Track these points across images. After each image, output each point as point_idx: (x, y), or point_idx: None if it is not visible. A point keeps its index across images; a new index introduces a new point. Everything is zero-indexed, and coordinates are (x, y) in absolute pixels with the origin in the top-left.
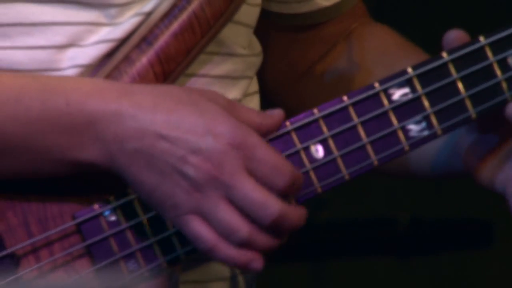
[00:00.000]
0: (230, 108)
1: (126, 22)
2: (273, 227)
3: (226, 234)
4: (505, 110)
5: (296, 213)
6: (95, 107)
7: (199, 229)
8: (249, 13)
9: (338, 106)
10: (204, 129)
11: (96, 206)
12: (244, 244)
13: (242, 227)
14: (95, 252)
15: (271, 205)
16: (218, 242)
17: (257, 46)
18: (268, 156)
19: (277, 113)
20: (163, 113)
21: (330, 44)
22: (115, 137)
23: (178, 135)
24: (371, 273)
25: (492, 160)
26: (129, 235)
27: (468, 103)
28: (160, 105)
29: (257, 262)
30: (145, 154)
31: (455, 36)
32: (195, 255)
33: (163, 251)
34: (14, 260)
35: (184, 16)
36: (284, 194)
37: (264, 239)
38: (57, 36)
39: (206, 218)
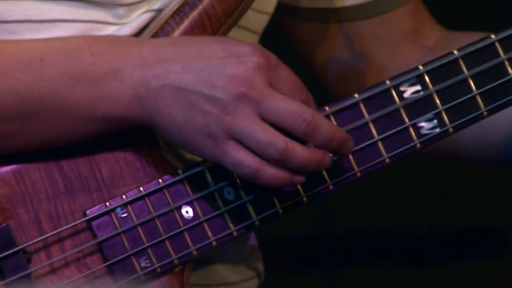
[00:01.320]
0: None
1: (135, 19)
2: (308, 135)
3: (265, 150)
4: None
5: (326, 121)
6: (119, 53)
7: (240, 155)
8: (257, 20)
9: (349, 102)
10: (225, 52)
11: (107, 203)
12: (283, 158)
13: (278, 139)
14: (106, 249)
15: (304, 112)
16: (261, 165)
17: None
18: (289, 74)
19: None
20: (183, 47)
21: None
22: (141, 78)
23: (201, 63)
24: (384, 283)
25: None
26: (140, 230)
27: (479, 101)
28: (178, 43)
29: (298, 177)
30: (172, 89)
31: None
32: (204, 255)
33: (175, 247)
34: (26, 256)
35: (195, 13)
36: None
37: (301, 150)
38: (64, 33)
39: (243, 140)
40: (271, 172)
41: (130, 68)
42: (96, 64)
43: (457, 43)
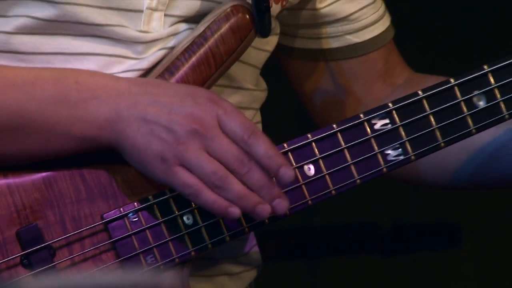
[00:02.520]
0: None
1: (151, 55)
2: (243, 175)
3: (208, 177)
4: None
5: (259, 169)
6: (98, 84)
7: (186, 177)
8: (257, 56)
9: (328, 132)
10: (185, 93)
11: (121, 209)
12: (222, 185)
13: (219, 169)
14: (119, 248)
15: (240, 155)
16: (202, 187)
17: (263, 84)
18: (237, 116)
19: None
20: (153, 86)
21: (368, 81)
22: (114, 106)
23: (165, 100)
24: (357, 270)
25: None
26: (148, 234)
27: (438, 134)
28: (150, 82)
29: (234, 208)
30: (138, 118)
31: None
32: (204, 253)
33: (177, 248)
34: (51, 251)
35: (201, 52)
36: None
37: (238, 184)
38: (91, 64)
39: (191, 167)
40: (211, 196)
41: (106, 97)
42: (78, 91)
43: (422, 84)
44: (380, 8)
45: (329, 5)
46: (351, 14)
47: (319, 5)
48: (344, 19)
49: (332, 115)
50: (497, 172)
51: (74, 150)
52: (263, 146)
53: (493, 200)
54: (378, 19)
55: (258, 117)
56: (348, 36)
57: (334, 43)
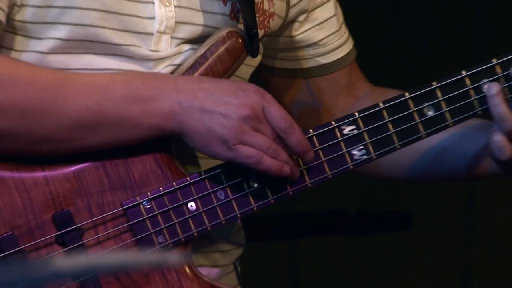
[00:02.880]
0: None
1: (161, 71)
2: (285, 137)
3: (264, 149)
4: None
5: (297, 131)
6: (161, 82)
7: (247, 150)
8: (245, 71)
9: (306, 136)
10: (236, 88)
11: (137, 197)
12: (275, 154)
13: (271, 143)
14: (135, 229)
15: (283, 123)
16: (262, 155)
17: None
18: (275, 103)
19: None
20: (207, 82)
21: (334, 94)
22: (176, 100)
23: (220, 93)
24: (328, 247)
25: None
26: (159, 218)
27: (395, 138)
28: (204, 79)
29: (286, 168)
30: (198, 108)
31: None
32: (203, 234)
33: (182, 229)
34: (80, 232)
35: (202, 69)
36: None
37: (284, 152)
38: None
39: (248, 143)
40: (269, 162)
41: (169, 93)
42: (145, 90)
43: (379, 96)
44: (344, 34)
45: (302, 32)
46: (320, 40)
47: (294, 33)
48: (315, 44)
49: (308, 121)
50: (441, 170)
51: (143, 139)
52: (295, 136)
53: (439, 191)
54: (342, 44)
55: None
56: (318, 58)
57: (307, 64)
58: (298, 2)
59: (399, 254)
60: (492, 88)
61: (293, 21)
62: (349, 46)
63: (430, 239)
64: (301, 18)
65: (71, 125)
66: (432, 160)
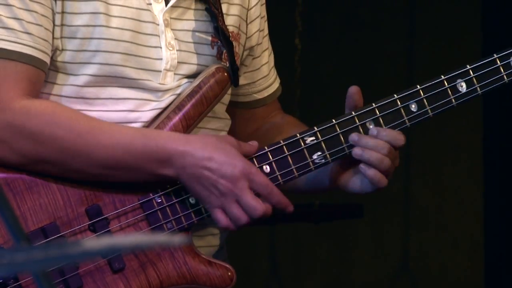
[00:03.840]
0: (238, 144)
1: (167, 99)
2: (268, 199)
3: (233, 220)
4: (352, 152)
5: (268, 212)
6: (172, 148)
7: (220, 216)
8: (226, 97)
9: (277, 145)
10: (228, 163)
11: (150, 194)
12: (241, 225)
13: (243, 217)
14: (149, 219)
15: (259, 209)
16: (230, 225)
17: (227, 116)
18: (260, 180)
19: (255, 144)
20: (207, 153)
21: (264, 118)
22: (181, 165)
23: (215, 167)
24: (299, 231)
25: (346, 177)
26: (167, 209)
27: (345, 146)
28: (206, 149)
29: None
30: (197, 176)
31: (353, 91)
32: (202, 222)
33: (186, 218)
34: (107, 221)
35: (197, 96)
36: (268, 199)
37: (268, 209)
38: (130, 105)
39: (225, 210)
40: (232, 228)
41: (177, 159)
42: (158, 153)
43: (285, 124)
44: (272, 77)
45: (244, 73)
46: (256, 81)
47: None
48: (253, 84)
49: (260, 139)
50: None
51: (153, 180)
52: (275, 198)
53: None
54: (270, 84)
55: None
56: (255, 95)
57: (246, 99)
58: (244, 51)
59: (353, 237)
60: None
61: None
62: (276, 85)
63: (376, 224)
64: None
65: (97, 166)
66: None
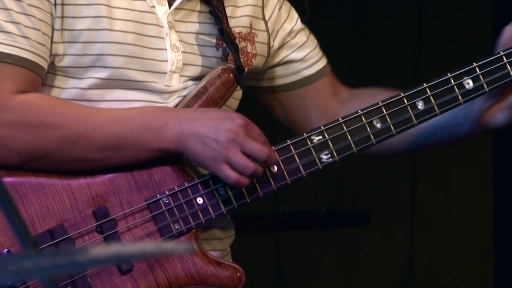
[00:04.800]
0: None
1: (173, 100)
2: (264, 162)
3: (243, 170)
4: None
5: (273, 154)
6: (167, 114)
7: (229, 172)
8: (233, 103)
9: (284, 145)
10: (224, 116)
11: (157, 195)
12: (253, 175)
13: (250, 164)
14: (157, 219)
15: (265, 150)
16: (240, 178)
17: None
18: (256, 128)
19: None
20: (202, 113)
21: (330, 96)
22: (179, 130)
23: (212, 122)
24: (306, 238)
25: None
26: (175, 209)
27: (353, 145)
28: (199, 111)
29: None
30: (195, 134)
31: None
32: (206, 225)
33: (193, 219)
34: (114, 222)
35: (204, 98)
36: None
37: (260, 169)
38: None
39: (232, 164)
40: (244, 182)
41: (173, 123)
42: (156, 121)
43: (359, 97)
44: (319, 53)
45: (285, 57)
46: (301, 58)
47: (277, 59)
48: (297, 61)
49: (305, 126)
50: (434, 141)
51: (156, 157)
52: (267, 148)
53: (389, 194)
54: (319, 59)
55: None
56: (304, 71)
57: (295, 77)
58: (277, 42)
59: (360, 243)
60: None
61: (276, 51)
62: (324, 60)
63: (383, 231)
64: (281, 49)
65: (99, 148)
66: (434, 128)
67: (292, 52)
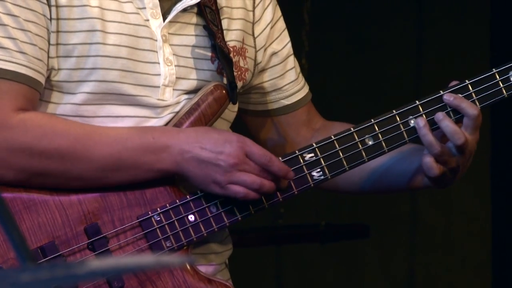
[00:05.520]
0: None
1: (165, 116)
2: (270, 173)
3: (250, 186)
4: (422, 160)
5: (276, 165)
6: (167, 137)
7: (236, 188)
8: (229, 115)
9: (292, 155)
10: (224, 140)
11: (149, 212)
12: (258, 189)
13: (254, 179)
14: (148, 237)
15: (267, 157)
16: (247, 191)
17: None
18: (256, 146)
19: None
20: (202, 137)
21: (302, 126)
22: (178, 153)
23: (211, 146)
24: (305, 252)
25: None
26: (166, 227)
27: (344, 162)
28: (199, 132)
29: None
30: (195, 159)
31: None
32: (202, 239)
33: (185, 236)
34: (106, 239)
35: (196, 114)
36: (269, 167)
37: (268, 183)
38: (129, 123)
39: (237, 183)
40: (253, 195)
41: (173, 146)
42: (155, 143)
43: (331, 128)
44: (301, 82)
45: (268, 81)
46: (282, 87)
47: (262, 81)
48: (278, 89)
49: (279, 151)
50: (385, 185)
51: (154, 178)
52: (275, 166)
53: (389, 207)
54: (300, 89)
55: None
56: (282, 100)
57: (273, 106)
58: (264, 59)
59: (359, 257)
60: (420, 122)
61: (260, 72)
62: (305, 90)
63: (382, 245)
64: (265, 72)
65: (97, 168)
66: (378, 177)
67: (274, 78)
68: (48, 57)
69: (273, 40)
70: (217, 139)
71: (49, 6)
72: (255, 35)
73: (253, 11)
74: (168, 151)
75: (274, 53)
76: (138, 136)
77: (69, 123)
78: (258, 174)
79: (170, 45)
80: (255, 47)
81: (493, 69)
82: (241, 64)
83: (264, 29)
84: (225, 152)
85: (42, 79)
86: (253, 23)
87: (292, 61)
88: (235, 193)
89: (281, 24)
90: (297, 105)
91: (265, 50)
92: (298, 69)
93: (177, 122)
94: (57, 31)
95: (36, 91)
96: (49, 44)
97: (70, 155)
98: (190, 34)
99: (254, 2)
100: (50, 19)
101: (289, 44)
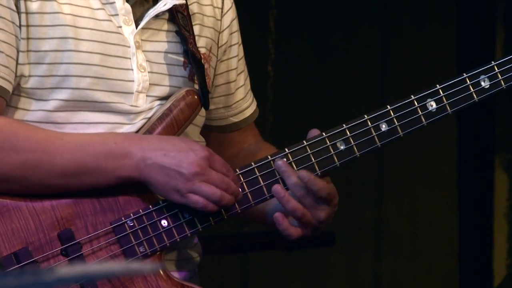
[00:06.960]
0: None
1: (138, 122)
2: (225, 190)
3: (210, 198)
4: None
5: (233, 184)
6: (129, 143)
7: (196, 199)
8: (200, 120)
9: (249, 167)
10: (187, 148)
11: (122, 217)
12: (217, 201)
13: (214, 190)
14: (122, 242)
15: (224, 179)
16: (207, 203)
17: (202, 138)
18: (219, 158)
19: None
20: (165, 143)
21: (241, 144)
22: (141, 158)
23: (175, 153)
24: (271, 259)
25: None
26: (139, 232)
27: (316, 167)
28: (163, 139)
29: (225, 207)
30: (157, 165)
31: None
32: (173, 246)
33: (158, 241)
34: (79, 245)
35: (168, 119)
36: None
37: (228, 196)
38: (101, 129)
39: (198, 193)
40: (212, 206)
41: (136, 152)
42: (117, 149)
43: (262, 150)
44: (249, 98)
45: (219, 96)
46: (232, 104)
47: (215, 95)
48: (229, 107)
49: (232, 163)
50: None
51: (115, 184)
52: (231, 175)
53: (355, 217)
54: (248, 106)
55: None
56: (231, 118)
57: (222, 122)
58: (220, 69)
59: (326, 264)
60: (277, 188)
61: (213, 84)
62: (252, 108)
63: (349, 252)
64: (219, 87)
65: (59, 174)
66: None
67: (225, 95)
68: (18, 63)
69: (233, 55)
70: (180, 146)
71: (19, 13)
72: (220, 45)
73: (221, 20)
74: (130, 157)
75: (231, 68)
76: (100, 142)
77: (32, 128)
78: (219, 185)
79: (143, 51)
80: (217, 56)
81: (464, 74)
82: (208, 72)
83: (227, 41)
84: (188, 160)
85: (9, 87)
86: (220, 32)
87: (243, 77)
88: (195, 202)
89: (239, 38)
90: (244, 123)
91: (222, 62)
92: (248, 87)
93: (149, 128)
94: (28, 38)
95: (2, 99)
96: (19, 51)
97: (31, 160)
98: (162, 40)
99: (222, 12)
100: (20, 26)
101: (243, 60)
